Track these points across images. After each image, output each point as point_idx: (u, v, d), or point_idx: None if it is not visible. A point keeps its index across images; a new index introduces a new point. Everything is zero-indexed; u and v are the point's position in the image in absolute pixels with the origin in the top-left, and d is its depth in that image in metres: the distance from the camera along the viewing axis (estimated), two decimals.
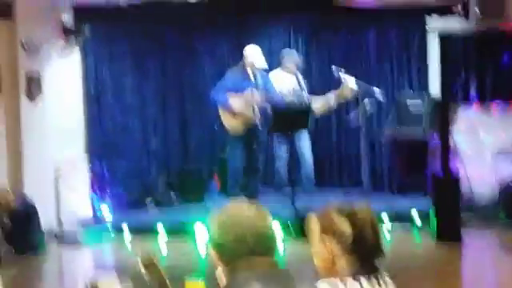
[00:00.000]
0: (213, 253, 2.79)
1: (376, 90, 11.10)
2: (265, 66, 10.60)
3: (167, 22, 10.91)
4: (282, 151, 11.07)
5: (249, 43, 11.87)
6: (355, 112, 11.00)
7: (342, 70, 11.08)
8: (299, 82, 10.99)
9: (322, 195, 10.89)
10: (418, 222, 10.04)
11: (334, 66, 11.30)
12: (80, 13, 10.15)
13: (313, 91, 11.78)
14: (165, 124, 11.58)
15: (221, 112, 10.58)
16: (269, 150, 12.25)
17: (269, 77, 10.80)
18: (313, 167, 11.25)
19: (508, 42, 10.81)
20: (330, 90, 11.39)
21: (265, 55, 12.10)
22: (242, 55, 10.72)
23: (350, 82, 10.71)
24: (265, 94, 10.47)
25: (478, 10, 10.88)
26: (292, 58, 11.10)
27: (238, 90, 10.44)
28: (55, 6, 10.13)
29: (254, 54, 10.53)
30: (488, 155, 10.21)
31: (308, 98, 10.96)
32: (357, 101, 10.93)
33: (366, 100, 10.98)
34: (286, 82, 10.90)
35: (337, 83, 11.34)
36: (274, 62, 12.19)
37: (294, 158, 11.14)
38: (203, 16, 10.67)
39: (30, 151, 9.96)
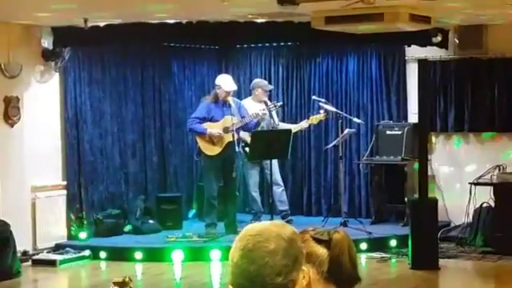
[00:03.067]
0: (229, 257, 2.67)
1: (356, 119, 11.19)
2: (235, 87, 10.66)
3: (147, 45, 10.97)
4: (254, 177, 11.11)
5: (229, 71, 11.97)
6: (335, 141, 11.05)
7: (322, 100, 11.18)
8: (269, 110, 11.00)
9: (300, 223, 10.90)
10: (395, 249, 10.09)
11: (314, 96, 11.41)
12: (60, 36, 10.14)
13: (293, 119, 11.87)
14: (143, 149, 11.55)
15: (199, 140, 10.60)
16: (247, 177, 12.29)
17: (242, 103, 10.86)
18: (285, 191, 11.30)
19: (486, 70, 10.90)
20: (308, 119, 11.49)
21: (246, 83, 12.19)
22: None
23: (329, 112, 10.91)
24: (240, 120, 10.50)
25: (457, 41, 10.99)
26: (261, 86, 11.14)
27: (214, 118, 10.49)
28: (35, 30, 10.12)
29: (225, 82, 10.58)
30: (465, 183, 10.25)
31: (277, 124, 10.97)
32: (337, 130, 10.99)
33: (346, 130, 11.06)
34: (256, 110, 10.89)
35: (317, 112, 11.43)
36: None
37: (267, 183, 11.22)
38: (183, 39, 10.72)
39: (8, 174, 9.90)
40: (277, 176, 11.17)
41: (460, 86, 11.07)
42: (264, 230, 2.56)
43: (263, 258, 2.51)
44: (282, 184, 11.28)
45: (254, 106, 10.90)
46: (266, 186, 11.42)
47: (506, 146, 10.96)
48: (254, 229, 2.58)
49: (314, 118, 10.97)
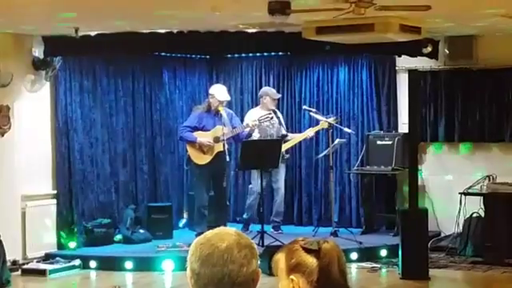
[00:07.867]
0: (188, 274, 2.72)
1: (346, 129, 11.21)
2: (228, 98, 10.68)
3: (138, 54, 10.98)
4: (257, 186, 11.10)
5: (220, 80, 11.98)
6: (326, 151, 11.07)
7: (313, 109, 11.22)
8: (278, 118, 11.06)
9: (291, 232, 10.90)
10: (386, 258, 10.09)
11: (304, 106, 11.44)
12: (51, 45, 10.13)
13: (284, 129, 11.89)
14: (134, 159, 11.53)
15: (189, 149, 10.61)
16: (238, 186, 12.30)
17: (233, 113, 10.88)
18: (283, 202, 11.32)
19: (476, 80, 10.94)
20: (301, 128, 11.51)
21: (236, 93, 12.20)
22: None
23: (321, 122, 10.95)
24: (231, 130, 10.52)
25: (447, 51, 11.03)
26: (269, 94, 11.15)
27: (205, 127, 10.50)
28: (26, 40, 10.11)
29: (219, 92, 10.60)
30: (455, 193, 10.27)
31: (286, 133, 11.02)
32: (327, 140, 11.01)
33: (337, 140, 11.08)
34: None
35: (308, 122, 11.46)
36: (245, 99, 12.28)
37: (268, 192, 11.22)
38: (174, 48, 10.74)
39: None
40: (281, 187, 11.20)
41: (450, 97, 11.10)
42: (211, 235, 2.66)
43: (222, 257, 2.60)
44: (283, 196, 11.28)
45: (261, 115, 10.85)
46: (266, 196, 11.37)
47: (495, 156, 10.98)
48: (201, 239, 2.67)
49: (325, 123, 10.87)
